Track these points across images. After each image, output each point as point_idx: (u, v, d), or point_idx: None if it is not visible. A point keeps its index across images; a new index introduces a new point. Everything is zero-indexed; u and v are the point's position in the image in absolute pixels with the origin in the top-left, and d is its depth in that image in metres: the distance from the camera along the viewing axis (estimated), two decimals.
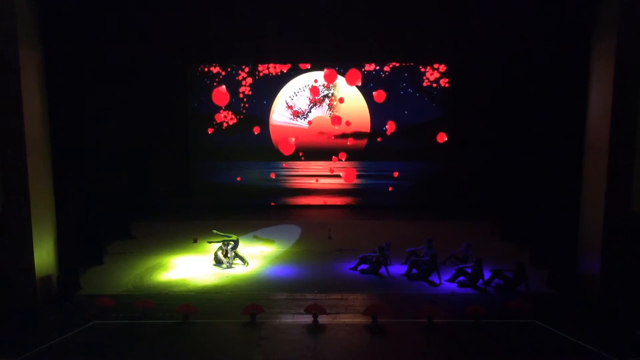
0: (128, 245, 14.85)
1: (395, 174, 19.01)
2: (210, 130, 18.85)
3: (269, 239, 15.58)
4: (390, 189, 19.07)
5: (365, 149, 19.21)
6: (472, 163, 17.55)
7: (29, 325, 9.68)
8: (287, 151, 16.06)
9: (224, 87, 16.46)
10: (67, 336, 9.12)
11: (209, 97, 18.38)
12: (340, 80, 18.91)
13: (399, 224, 16.73)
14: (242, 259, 13.30)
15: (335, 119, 17.75)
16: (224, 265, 13.08)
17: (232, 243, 13.20)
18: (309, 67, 18.65)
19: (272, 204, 19.20)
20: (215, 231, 13.54)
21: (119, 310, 10.10)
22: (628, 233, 10.48)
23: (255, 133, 18.75)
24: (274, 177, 19.29)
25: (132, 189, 15.83)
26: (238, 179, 19.13)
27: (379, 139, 19.00)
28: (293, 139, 16.71)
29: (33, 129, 10.55)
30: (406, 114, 18.78)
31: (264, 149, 19.03)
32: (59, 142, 11.38)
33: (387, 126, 18.58)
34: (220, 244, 13.28)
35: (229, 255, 13.10)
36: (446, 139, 17.54)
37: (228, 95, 15.67)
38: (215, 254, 13.27)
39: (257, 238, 15.78)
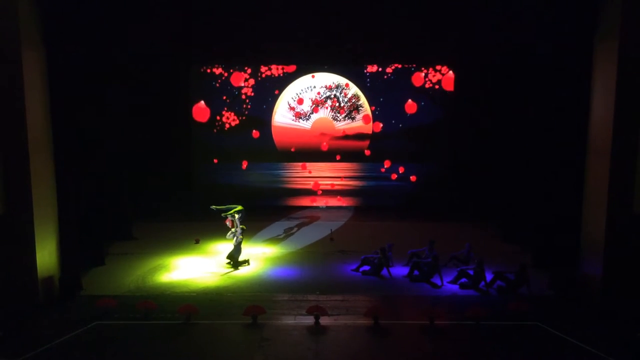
0: (130, 246, 14.84)
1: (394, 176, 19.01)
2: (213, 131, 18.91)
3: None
4: (413, 178, 19.07)
5: (366, 150, 19.19)
6: (475, 164, 17.54)
7: (31, 326, 9.68)
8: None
9: (202, 102, 16.88)
10: (69, 337, 9.12)
11: (211, 97, 18.47)
12: (345, 82, 18.93)
13: (400, 225, 16.74)
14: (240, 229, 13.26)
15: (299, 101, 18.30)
16: (233, 233, 13.14)
17: (238, 214, 13.30)
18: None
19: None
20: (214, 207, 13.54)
21: (121, 311, 10.09)
22: (630, 235, 10.45)
23: (255, 137, 18.77)
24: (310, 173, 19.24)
25: (134, 190, 15.84)
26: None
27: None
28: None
29: (35, 129, 10.56)
30: (408, 116, 18.77)
31: (266, 150, 19.04)
32: (62, 143, 11.38)
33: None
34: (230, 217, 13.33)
35: (236, 225, 13.18)
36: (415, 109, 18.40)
37: (208, 111, 16.06)
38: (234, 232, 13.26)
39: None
